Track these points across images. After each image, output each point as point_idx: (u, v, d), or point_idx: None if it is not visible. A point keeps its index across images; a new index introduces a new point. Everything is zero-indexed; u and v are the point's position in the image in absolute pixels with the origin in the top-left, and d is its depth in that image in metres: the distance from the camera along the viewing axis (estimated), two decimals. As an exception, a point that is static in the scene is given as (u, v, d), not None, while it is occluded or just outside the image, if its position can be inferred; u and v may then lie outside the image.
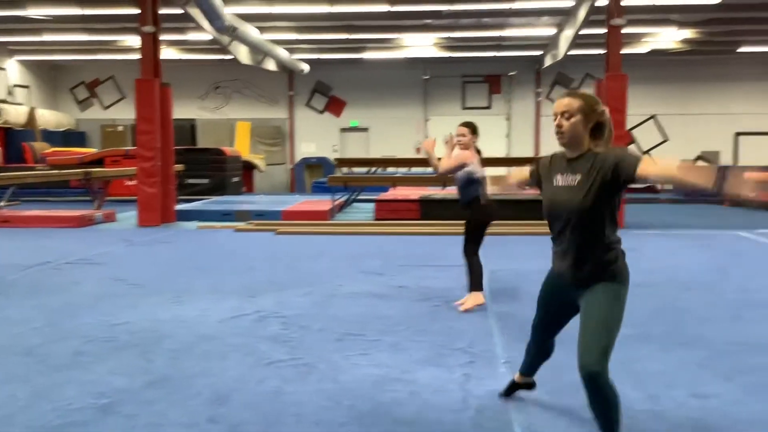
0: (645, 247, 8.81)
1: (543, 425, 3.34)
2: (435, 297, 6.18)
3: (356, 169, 15.57)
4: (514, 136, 23.83)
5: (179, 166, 14.75)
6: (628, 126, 16.26)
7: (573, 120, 2.92)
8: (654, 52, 20.97)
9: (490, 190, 3.85)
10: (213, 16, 13.88)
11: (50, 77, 24.54)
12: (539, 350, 3.45)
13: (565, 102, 2.96)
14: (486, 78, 23.78)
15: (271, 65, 21.40)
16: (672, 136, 22.72)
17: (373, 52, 21.71)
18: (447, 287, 6.53)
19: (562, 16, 16.66)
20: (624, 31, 12.29)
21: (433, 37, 19.66)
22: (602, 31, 12.64)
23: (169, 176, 12.87)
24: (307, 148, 24.49)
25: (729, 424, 3.35)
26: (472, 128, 5.75)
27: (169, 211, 12.81)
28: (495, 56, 22.34)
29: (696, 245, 9.53)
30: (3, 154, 20.26)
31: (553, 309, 3.24)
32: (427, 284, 6.78)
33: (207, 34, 16.08)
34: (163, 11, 13.04)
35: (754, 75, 22.49)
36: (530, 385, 3.65)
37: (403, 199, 13.37)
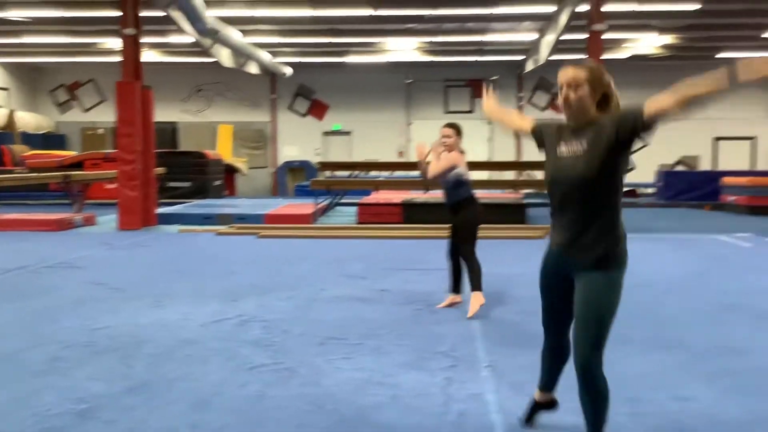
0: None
1: (525, 428, 3.35)
2: (418, 301, 6.18)
3: (339, 173, 15.55)
4: (496, 140, 23.92)
5: (160, 169, 14.67)
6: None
7: (580, 92, 2.82)
8: (634, 58, 21.15)
9: (487, 107, 3.63)
10: (195, 19, 13.83)
11: (30, 79, 24.33)
12: (553, 352, 3.21)
13: (571, 73, 2.84)
14: (468, 82, 23.88)
15: (253, 68, 21.34)
16: (652, 140, 22.87)
17: (356, 55, 21.73)
18: (430, 291, 6.53)
19: (544, 21, 16.76)
20: (605, 36, 12.40)
21: (416, 41, 19.71)
22: (583, 36, 12.74)
23: (150, 179, 12.79)
24: (289, 151, 24.44)
25: (709, 426, 3.37)
26: (457, 129, 5.77)
27: (150, 215, 12.73)
28: (477, 61, 22.44)
29: (676, 249, 9.61)
30: (-19, 156, 20.05)
31: (555, 294, 3.05)
32: (410, 288, 6.78)
33: (189, 36, 16.01)
34: (144, 14, 12.97)
35: (732, 80, 22.73)
36: (552, 404, 3.35)
37: (386, 203, 13.38)
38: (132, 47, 12.43)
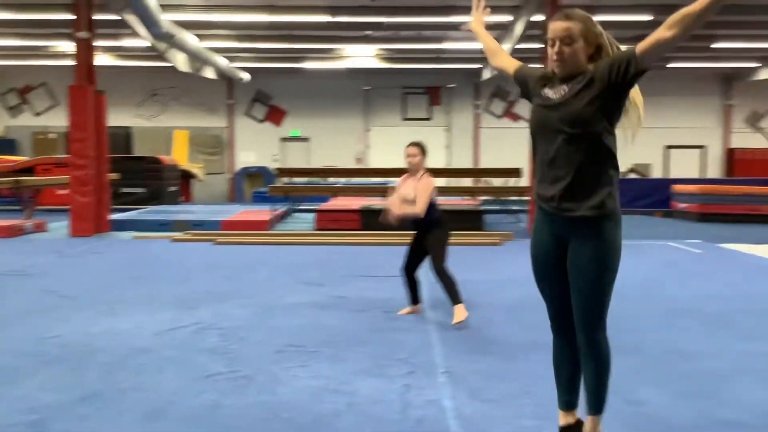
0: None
1: (482, 434, 3.37)
2: (375, 307, 6.18)
3: (297, 179, 15.50)
4: (454, 147, 24.10)
5: (114, 175, 14.44)
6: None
7: (576, 45, 2.65)
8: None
9: (475, 23, 3.36)
10: (150, 23, 13.63)
11: (-21, 82, 23.74)
12: (569, 353, 2.94)
13: (564, 26, 2.65)
14: (426, 89, 24.02)
15: (210, 73, 21.14)
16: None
17: (314, 62, 21.68)
18: (387, 298, 6.54)
19: (500, 30, 16.93)
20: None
21: (374, 48, 19.76)
22: (539, 45, 12.91)
23: (103, 185, 12.59)
24: (246, 157, 24.26)
25: (662, 429, 3.43)
26: (422, 148, 5.75)
27: (103, 221, 12.52)
28: (435, 68, 22.58)
29: (629, 256, 9.71)
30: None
31: (555, 274, 2.85)
32: (368, 295, 6.78)
33: (144, 40, 15.79)
34: (98, 17, 12.77)
35: (682, 90, 23.31)
36: (579, 427, 3.02)
37: (344, 209, 13.37)
38: (85, 51, 12.23)
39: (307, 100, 23.81)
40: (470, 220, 12.54)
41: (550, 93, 2.73)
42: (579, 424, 3.05)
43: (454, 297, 5.55)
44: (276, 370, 4.34)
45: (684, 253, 10.18)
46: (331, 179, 16.65)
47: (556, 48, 2.67)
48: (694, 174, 23.44)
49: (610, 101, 2.63)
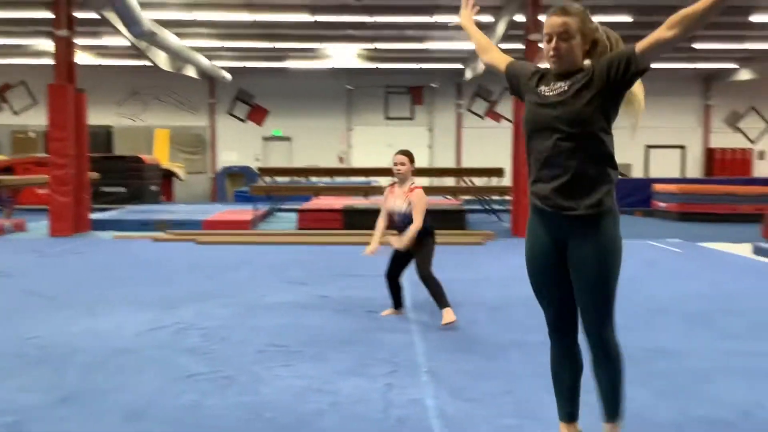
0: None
1: (464, 433, 3.37)
2: (358, 307, 6.17)
3: (279, 179, 15.46)
4: (436, 146, 24.14)
5: (94, 174, 14.33)
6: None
7: (573, 41, 2.61)
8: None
9: (464, 17, 3.39)
10: (130, 21, 13.52)
11: (-43, 81, 23.47)
12: (569, 360, 2.89)
13: (561, 21, 2.60)
14: (409, 89, 24.05)
15: (191, 72, 21.03)
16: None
17: (296, 61, 21.64)
18: (370, 297, 6.53)
19: (482, 30, 16.99)
20: (541, 45, 12.62)
21: (357, 47, 19.74)
22: (520, 46, 12.95)
23: (83, 184, 12.48)
24: (228, 156, 24.17)
25: (643, 427, 3.44)
26: (410, 157, 5.74)
27: (83, 221, 12.42)
28: (418, 68, 22.61)
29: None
30: None
31: (553, 275, 2.79)
32: (350, 294, 6.77)
33: (124, 39, 15.67)
34: (78, 14, 12.66)
35: (661, 90, 23.44)
36: None
37: (326, 209, 13.35)
38: (65, 49, 12.12)
39: (290, 99, 23.75)
40: (453, 220, 12.56)
41: (546, 90, 2.69)
42: None
43: (441, 301, 5.52)
44: (258, 369, 4.32)
45: (664, 252, 10.25)
46: (314, 179, 16.61)
47: (552, 44, 2.64)
48: (674, 174, 23.66)
49: (608, 100, 2.61)
